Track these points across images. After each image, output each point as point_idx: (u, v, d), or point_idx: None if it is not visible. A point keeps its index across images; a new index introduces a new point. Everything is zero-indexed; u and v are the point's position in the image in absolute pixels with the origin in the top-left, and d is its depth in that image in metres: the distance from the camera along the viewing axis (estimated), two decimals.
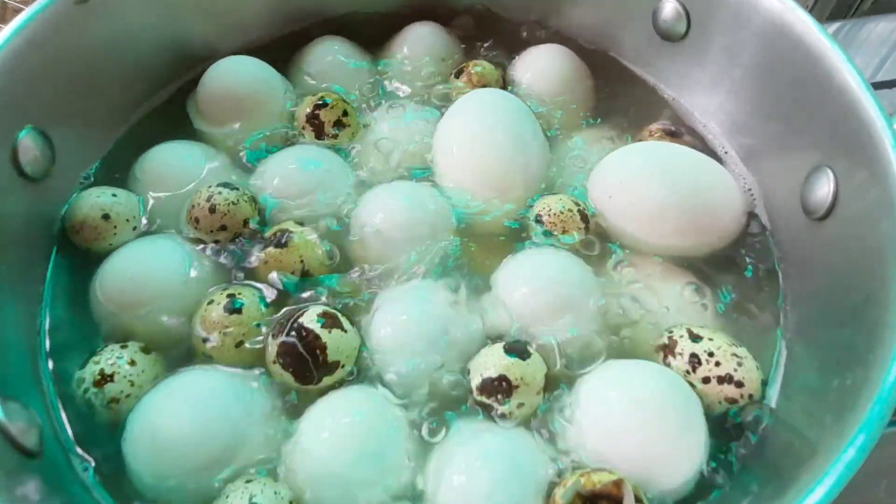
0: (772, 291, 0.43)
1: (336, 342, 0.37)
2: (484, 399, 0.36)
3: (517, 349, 0.37)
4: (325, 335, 0.36)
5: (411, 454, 0.35)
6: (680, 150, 0.46)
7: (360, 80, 0.54)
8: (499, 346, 0.37)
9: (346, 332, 0.37)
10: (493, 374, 0.36)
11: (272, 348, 0.37)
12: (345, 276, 0.42)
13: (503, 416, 0.36)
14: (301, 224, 0.43)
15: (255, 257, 0.42)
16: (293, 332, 0.36)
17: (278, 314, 0.40)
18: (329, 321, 0.37)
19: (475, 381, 0.37)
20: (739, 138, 0.49)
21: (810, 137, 0.41)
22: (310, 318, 0.37)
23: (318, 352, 0.36)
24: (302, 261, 0.41)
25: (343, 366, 0.37)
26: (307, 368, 0.36)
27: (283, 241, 0.41)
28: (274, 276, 0.41)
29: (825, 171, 0.39)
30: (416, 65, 0.55)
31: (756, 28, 0.44)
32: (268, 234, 0.43)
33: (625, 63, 0.56)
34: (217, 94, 0.49)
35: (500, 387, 0.36)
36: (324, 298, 0.41)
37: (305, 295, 0.41)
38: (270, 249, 0.42)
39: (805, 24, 0.41)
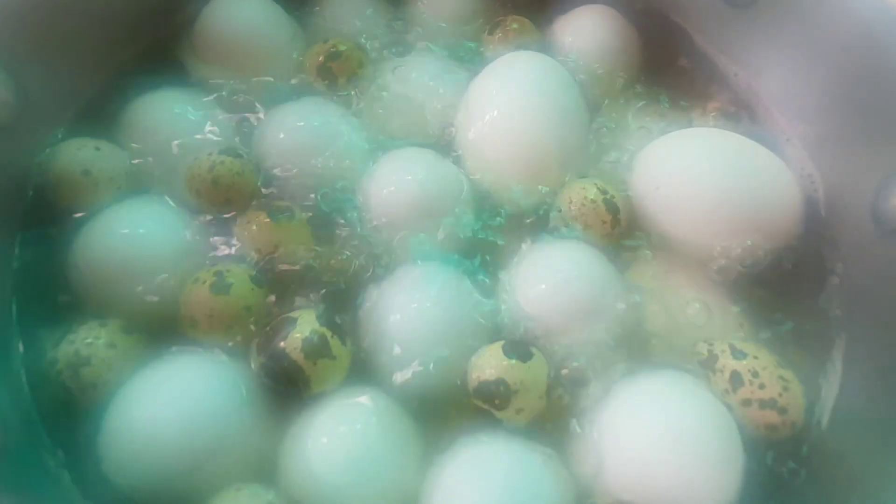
0: (825, 307, 0.40)
1: (322, 373, 0.34)
2: (480, 404, 0.34)
3: (517, 349, 0.34)
4: (308, 367, 0.33)
5: (414, 464, 0.33)
6: (740, 140, 0.42)
7: (378, 29, 0.52)
8: (497, 346, 0.35)
9: (334, 358, 0.34)
10: (490, 376, 0.34)
11: (255, 359, 0.35)
12: (346, 264, 0.40)
13: (502, 422, 0.34)
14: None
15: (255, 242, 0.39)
16: (275, 357, 0.34)
17: (268, 325, 0.36)
18: (316, 349, 0.34)
19: (472, 385, 0.35)
20: (806, 126, 0.45)
21: (894, 137, 0.37)
22: (294, 345, 0.34)
23: (300, 384, 0.34)
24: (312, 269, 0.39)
25: (329, 391, 0.35)
26: (288, 396, 0.34)
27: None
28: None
29: None
30: (445, 15, 0.52)
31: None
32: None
33: (681, 29, 0.52)
34: (216, 35, 0.47)
35: (497, 391, 0.34)
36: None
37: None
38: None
39: None
